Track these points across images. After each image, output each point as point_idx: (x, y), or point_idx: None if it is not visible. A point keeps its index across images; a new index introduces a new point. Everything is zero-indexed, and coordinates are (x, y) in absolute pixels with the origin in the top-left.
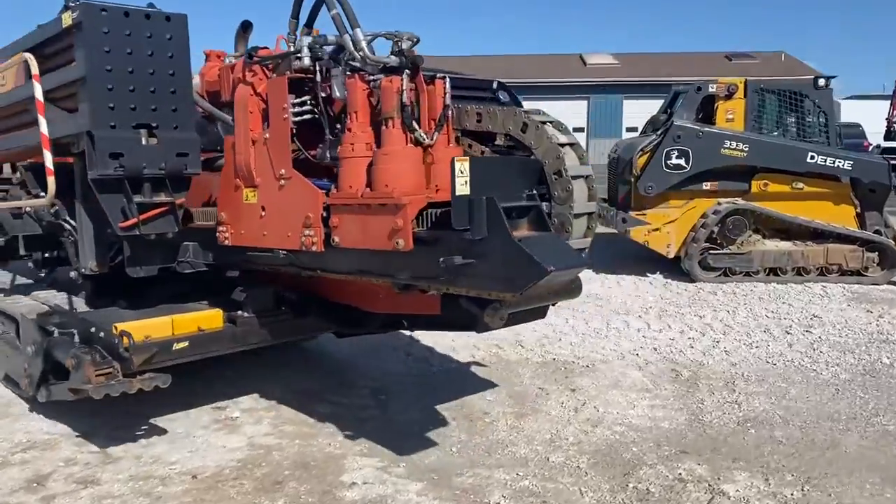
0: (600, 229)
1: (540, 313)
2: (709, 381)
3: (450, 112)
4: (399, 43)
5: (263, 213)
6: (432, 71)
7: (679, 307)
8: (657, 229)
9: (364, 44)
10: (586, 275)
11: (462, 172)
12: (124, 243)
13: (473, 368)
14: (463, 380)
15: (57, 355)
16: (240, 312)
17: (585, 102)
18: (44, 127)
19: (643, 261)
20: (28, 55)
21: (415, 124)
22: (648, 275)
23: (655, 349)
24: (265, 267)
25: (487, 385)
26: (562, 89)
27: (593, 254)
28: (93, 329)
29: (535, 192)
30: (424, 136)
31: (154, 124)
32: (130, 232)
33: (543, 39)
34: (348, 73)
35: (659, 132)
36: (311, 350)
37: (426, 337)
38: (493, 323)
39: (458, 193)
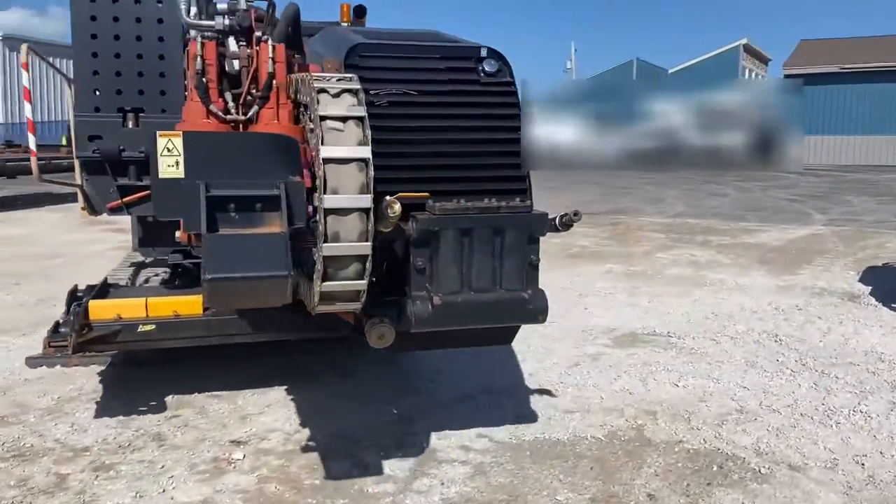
0: None
1: (466, 340)
2: None
3: (274, 81)
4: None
5: None
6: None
7: None
8: None
9: (182, 5)
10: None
11: (170, 150)
12: (135, 223)
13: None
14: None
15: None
16: None
17: None
18: (28, 112)
19: None
20: (24, 44)
21: (219, 96)
22: None
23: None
24: None
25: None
26: None
27: None
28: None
29: (297, 178)
30: (230, 111)
31: (141, 108)
32: (118, 213)
33: None
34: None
35: None
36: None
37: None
38: (372, 340)
39: (162, 176)
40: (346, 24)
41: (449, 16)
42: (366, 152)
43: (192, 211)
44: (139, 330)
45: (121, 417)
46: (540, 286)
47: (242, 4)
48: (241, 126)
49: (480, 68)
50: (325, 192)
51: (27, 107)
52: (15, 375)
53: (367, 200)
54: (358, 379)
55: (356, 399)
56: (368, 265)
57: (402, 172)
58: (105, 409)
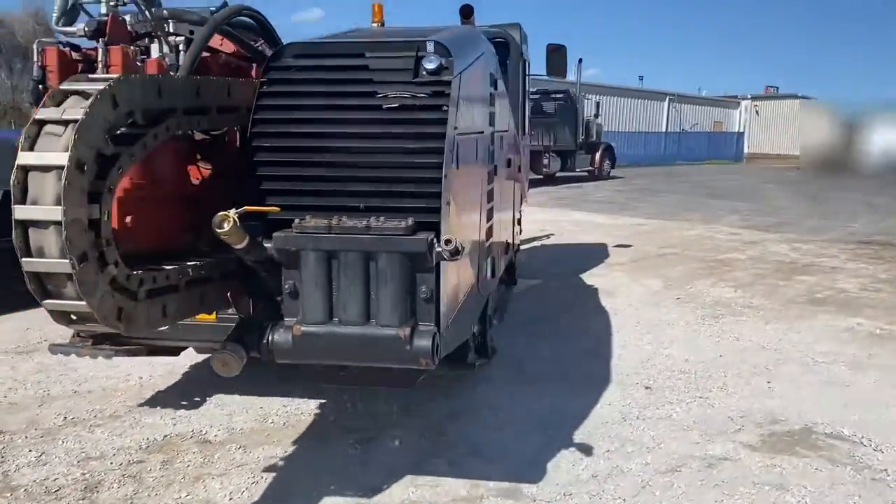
0: None
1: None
2: None
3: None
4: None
5: None
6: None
7: None
8: None
9: (54, 13)
10: None
11: None
12: None
13: None
14: None
15: None
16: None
17: None
18: None
19: None
20: None
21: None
22: None
23: None
24: None
25: None
26: None
27: None
28: None
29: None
30: None
31: None
32: None
33: None
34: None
35: None
36: None
37: None
38: (215, 367)
39: None
40: (376, 25)
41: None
42: (63, 160)
43: None
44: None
45: None
46: (433, 324)
47: (103, 9)
48: None
49: (422, 66)
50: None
51: None
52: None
53: (58, 213)
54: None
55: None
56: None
57: (294, 184)
58: None
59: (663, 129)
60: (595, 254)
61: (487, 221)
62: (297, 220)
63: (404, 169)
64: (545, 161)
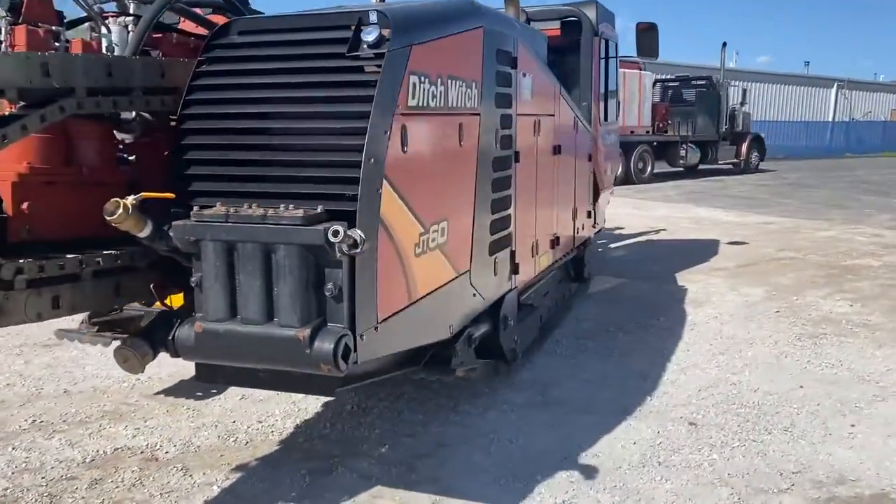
0: None
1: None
2: None
3: None
4: None
5: None
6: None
7: None
8: None
9: None
10: None
11: None
12: None
13: None
14: None
15: None
16: None
17: None
18: None
19: None
20: None
21: None
22: None
23: None
24: None
25: None
26: None
27: None
28: None
29: None
30: None
31: None
32: None
33: None
34: None
35: None
36: None
37: None
38: (118, 363)
39: None
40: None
41: None
42: None
43: None
44: None
45: None
46: (345, 325)
47: None
48: None
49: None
50: None
51: None
52: None
53: None
54: None
55: None
56: None
57: (224, 169)
58: None
59: (830, 119)
60: (701, 253)
61: (495, 213)
62: (196, 208)
63: (322, 152)
64: (681, 152)
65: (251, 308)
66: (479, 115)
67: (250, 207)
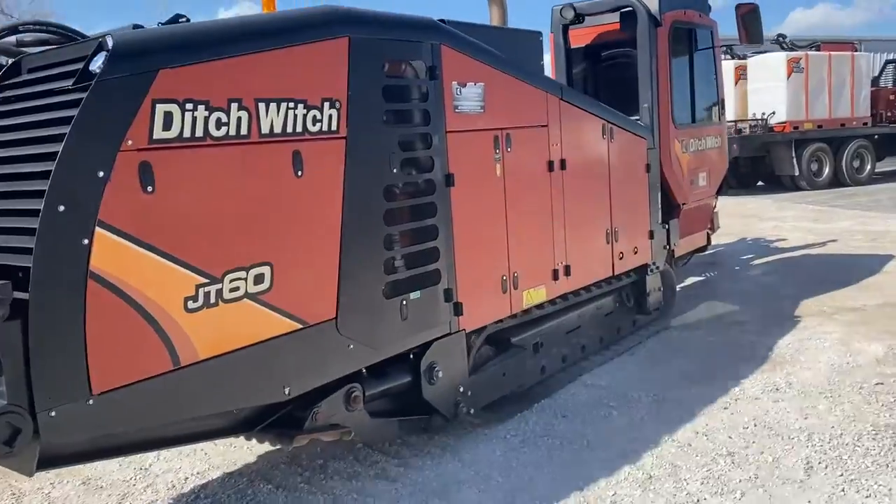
0: None
1: None
2: None
3: None
4: None
5: None
6: None
7: None
8: None
9: None
10: None
11: None
12: None
13: None
14: None
15: None
16: None
17: None
18: None
19: None
20: None
21: None
22: None
23: None
24: None
25: None
26: None
27: None
28: None
29: None
30: None
31: None
32: None
33: None
34: None
35: None
36: None
37: None
38: None
39: None
40: None
41: None
42: None
43: None
44: None
45: None
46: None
47: None
48: None
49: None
50: None
51: None
52: None
53: None
54: None
55: None
56: None
57: None
58: None
59: None
60: (847, 281)
61: (398, 247)
62: None
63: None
64: None
65: None
66: (344, 138)
67: None
